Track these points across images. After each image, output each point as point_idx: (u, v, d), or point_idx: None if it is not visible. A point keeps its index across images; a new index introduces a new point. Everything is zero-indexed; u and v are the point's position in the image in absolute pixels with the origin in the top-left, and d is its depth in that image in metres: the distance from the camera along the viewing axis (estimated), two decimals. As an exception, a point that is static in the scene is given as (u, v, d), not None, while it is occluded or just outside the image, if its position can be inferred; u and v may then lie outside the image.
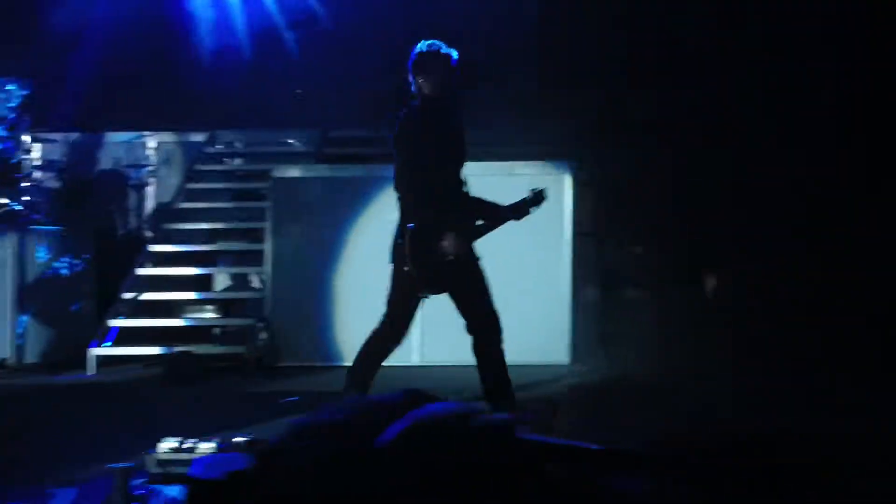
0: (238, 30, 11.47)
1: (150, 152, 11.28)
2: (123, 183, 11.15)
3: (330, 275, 9.21)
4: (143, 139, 11.26)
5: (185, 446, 4.52)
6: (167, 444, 4.54)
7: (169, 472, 4.36)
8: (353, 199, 9.28)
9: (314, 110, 11.22)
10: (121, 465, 3.53)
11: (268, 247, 9.38)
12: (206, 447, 4.48)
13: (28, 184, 10.17)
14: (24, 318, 9.24)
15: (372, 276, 7.99)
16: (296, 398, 7.33)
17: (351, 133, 11.18)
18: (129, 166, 11.15)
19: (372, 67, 10.63)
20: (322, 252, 9.27)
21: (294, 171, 9.70)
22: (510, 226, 5.98)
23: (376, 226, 8.59)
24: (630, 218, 9.28)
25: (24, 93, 10.07)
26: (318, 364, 8.84)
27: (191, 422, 6.09)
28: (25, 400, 7.61)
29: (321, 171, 9.97)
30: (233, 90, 11.03)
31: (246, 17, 11.53)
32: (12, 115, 9.99)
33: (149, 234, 10.82)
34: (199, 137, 11.42)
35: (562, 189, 8.90)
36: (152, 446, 4.53)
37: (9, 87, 9.96)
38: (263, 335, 9.13)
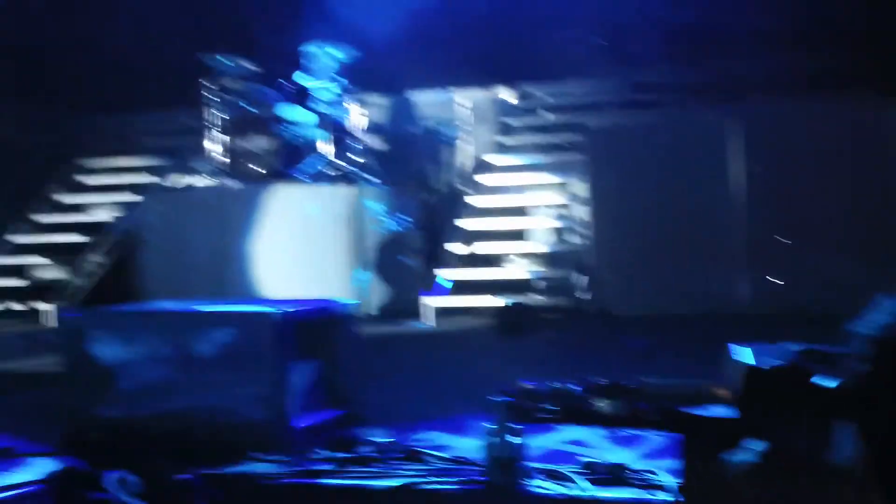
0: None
1: (461, 109, 11.61)
2: (440, 139, 11.53)
3: (653, 225, 9.28)
4: (454, 96, 11.62)
5: (541, 386, 4.33)
6: (527, 385, 4.35)
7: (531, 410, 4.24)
8: (669, 146, 9.33)
9: (618, 57, 11.29)
10: (499, 398, 3.41)
11: (587, 197, 9.56)
12: (561, 390, 4.32)
13: (355, 144, 10.49)
14: (364, 271, 9.63)
15: (696, 225, 8.75)
16: (645, 342, 7.30)
17: (658, 78, 11.14)
18: (444, 124, 11.55)
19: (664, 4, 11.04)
20: (644, 201, 9.33)
21: (608, 120, 9.90)
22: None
23: (699, 172, 9.02)
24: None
25: (348, 57, 10.44)
26: (643, 313, 8.99)
27: (531, 369, 5.76)
28: (378, 349, 7.53)
29: (635, 118, 10.15)
30: (538, 42, 11.58)
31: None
32: (338, 79, 10.37)
33: (467, 188, 11.18)
34: (507, 92, 11.74)
35: None
36: (506, 387, 4.32)
37: (334, 52, 10.33)
38: (588, 286, 9.34)
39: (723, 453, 3.29)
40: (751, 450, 3.24)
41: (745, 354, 3.52)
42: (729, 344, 3.67)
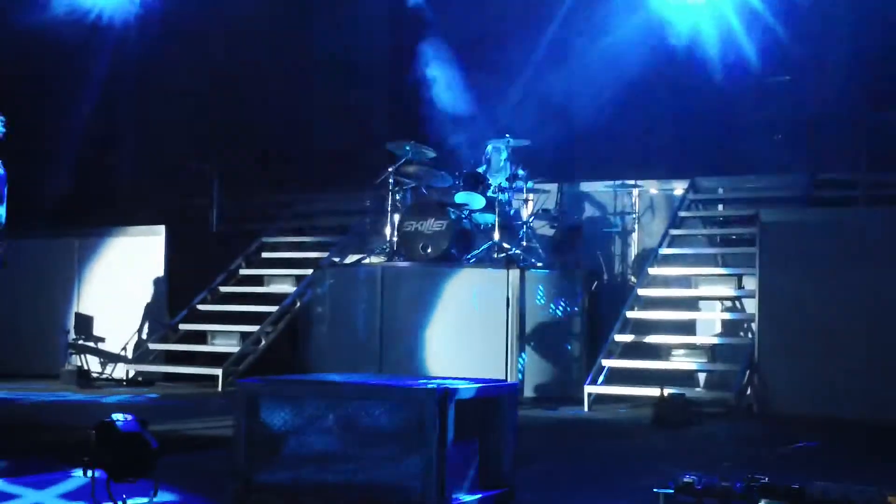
0: (710, 80, 11.81)
1: (633, 200, 11.90)
2: (610, 229, 11.85)
3: (822, 321, 9.16)
4: (627, 188, 11.83)
5: (703, 482, 4.54)
6: (688, 479, 4.57)
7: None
8: (845, 245, 9.24)
9: (798, 153, 11.50)
10: (660, 490, 3.60)
11: (755, 292, 9.51)
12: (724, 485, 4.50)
13: (525, 230, 10.70)
14: (523, 354, 9.87)
15: (869, 327, 8.67)
16: (813, 444, 7.29)
17: (838, 175, 11.35)
18: (614, 213, 11.80)
19: (852, 105, 11.09)
20: (814, 298, 9.24)
21: (784, 216, 9.76)
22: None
23: (874, 272, 8.91)
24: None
25: (524, 146, 10.91)
26: (808, 414, 8.83)
27: (688, 462, 6.04)
28: (534, 431, 7.65)
29: (813, 215, 10.00)
30: (713, 138, 11.69)
31: (723, 65, 11.84)
32: (512, 167, 10.81)
33: (634, 278, 11.40)
34: (680, 185, 11.84)
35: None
36: (662, 481, 4.57)
37: (512, 140, 10.77)
38: (752, 382, 9.28)
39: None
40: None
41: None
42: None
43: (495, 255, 10.40)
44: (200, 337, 12.04)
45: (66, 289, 12.78)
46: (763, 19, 11.62)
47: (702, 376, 10.15)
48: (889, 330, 8.81)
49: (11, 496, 4.81)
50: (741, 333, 10.24)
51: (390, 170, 10.89)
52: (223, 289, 12.59)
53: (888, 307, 8.84)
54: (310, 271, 11.67)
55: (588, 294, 10.85)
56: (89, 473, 4.43)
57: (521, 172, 10.87)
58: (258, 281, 12.65)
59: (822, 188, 11.16)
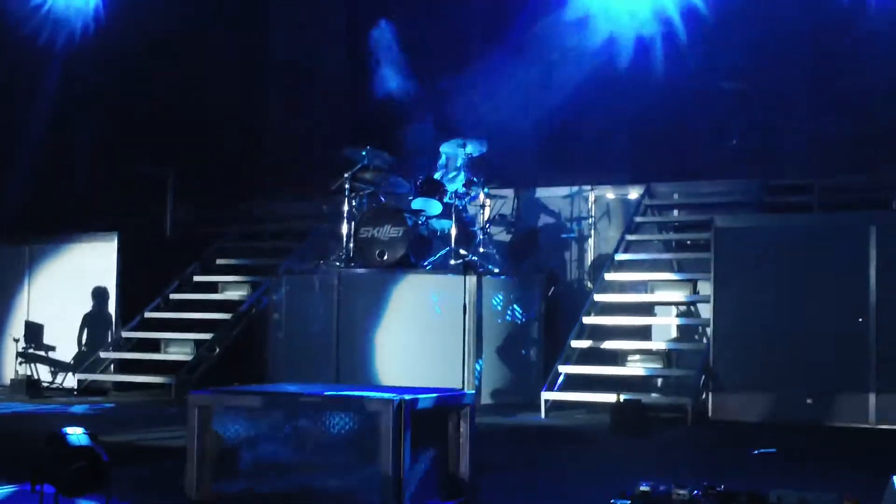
0: (667, 84, 11.80)
1: (590, 205, 11.91)
2: (566, 235, 11.85)
3: (776, 326, 9.14)
4: (582, 193, 11.86)
5: (660, 490, 4.48)
6: (645, 487, 4.51)
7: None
8: (799, 250, 9.22)
9: (752, 159, 11.56)
10: (617, 500, 3.52)
11: (710, 297, 9.46)
12: (681, 493, 4.45)
13: (482, 236, 10.81)
14: (480, 361, 9.79)
15: (822, 332, 8.65)
16: (771, 451, 7.18)
17: (792, 181, 11.33)
18: (570, 219, 11.83)
19: (800, 112, 11.21)
20: (768, 303, 9.21)
21: (738, 221, 9.75)
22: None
23: (827, 278, 8.93)
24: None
25: (480, 152, 10.79)
26: (763, 420, 8.84)
27: (645, 469, 5.99)
28: (492, 439, 7.46)
29: (766, 220, 10.03)
30: (668, 144, 11.73)
31: (677, 71, 11.83)
32: (469, 173, 10.71)
33: (590, 283, 11.35)
34: (636, 190, 11.80)
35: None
36: (619, 489, 4.51)
37: (468, 146, 10.66)
38: (707, 387, 9.23)
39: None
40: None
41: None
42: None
43: (452, 262, 10.37)
44: (153, 345, 11.88)
45: (16, 297, 12.57)
46: (716, 26, 11.71)
47: (658, 382, 10.18)
48: (842, 335, 8.89)
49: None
50: (696, 338, 10.31)
51: (346, 175, 10.83)
52: (177, 296, 12.44)
53: (842, 312, 8.92)
54: (266, 278, 11.58)
55: (545, 300, 10.86)
56: (38, 488, 4.34)
57: (475, 179, 10.84)
58: (213, 287, 12.52)
59: (776, 193, 11.27)
